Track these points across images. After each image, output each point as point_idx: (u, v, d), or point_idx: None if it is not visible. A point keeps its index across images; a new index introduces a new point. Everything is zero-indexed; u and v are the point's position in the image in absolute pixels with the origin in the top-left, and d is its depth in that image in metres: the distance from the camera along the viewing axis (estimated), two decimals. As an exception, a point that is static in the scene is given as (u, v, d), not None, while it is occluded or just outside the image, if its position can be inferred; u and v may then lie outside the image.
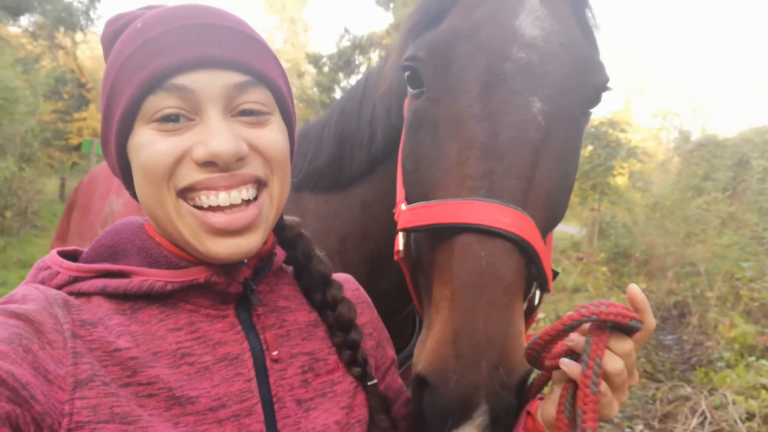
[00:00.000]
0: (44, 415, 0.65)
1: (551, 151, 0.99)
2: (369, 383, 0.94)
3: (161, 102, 0.76)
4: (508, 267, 0.91)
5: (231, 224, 0.78)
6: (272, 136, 0.82)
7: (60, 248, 0.86)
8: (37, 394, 0.65)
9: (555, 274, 1.07)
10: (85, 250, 0.87)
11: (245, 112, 0.80)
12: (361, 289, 1.06)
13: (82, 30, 23.58)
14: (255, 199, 0.81)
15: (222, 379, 0.80)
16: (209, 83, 0.77)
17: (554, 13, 1.06)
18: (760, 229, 10.74)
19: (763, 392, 4.88)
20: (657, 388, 6.17)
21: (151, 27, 0.79)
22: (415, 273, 1.08)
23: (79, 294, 0.79)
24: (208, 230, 0.78)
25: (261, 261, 0.90)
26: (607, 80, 1.06)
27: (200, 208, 0.79)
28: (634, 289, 0.78)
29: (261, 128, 0.81)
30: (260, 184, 0.82)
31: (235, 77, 0.79)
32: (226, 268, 0.83)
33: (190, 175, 0.77)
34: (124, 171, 0.84)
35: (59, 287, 0.79)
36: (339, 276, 1.04)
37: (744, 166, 12.52)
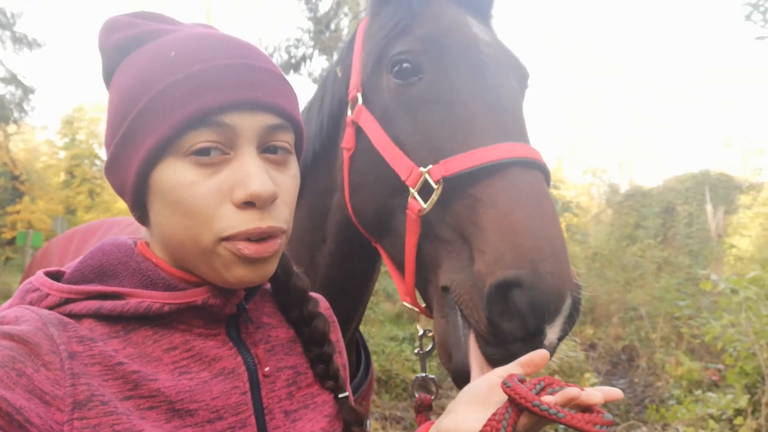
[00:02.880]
0: None
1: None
2: (340, 395, 0.98)
3: (201, 137, 0.78)
4: (547, 189, 1.14)
5: (257, 254, 0.80)
6: (291, 182, 0.86)
7: (45, 269, 0.84)
8: (32, 417, 0.65)
9: None
10: (69, 270, 0.85)
11: (271, 149, 0.83)
12: (331, 309, 1.12)
13: (15, 122, 23.17)
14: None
15: (220, 392, 0.82)
16: (247, 123, 0.80)
17: (486, 27, 1.40)
18: (693, 270, 11.31)
19: (711, 422, 5.05)
20: (614, 431, 6.27)
21: (190, 60, 0.80)
22: (436, 227, 1.19)
23: (70, 316, 0.77)
24: (239, 259, 0.80)
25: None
26: (528, 71, 1.39)
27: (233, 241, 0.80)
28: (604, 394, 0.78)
29: (284, 171, 0.85)
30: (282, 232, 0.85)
31: (270, 119, 0.82)
32: (223, 290, 0.85)
33: (230, 224, 0.79)
34: (137, 195, 0.84)
35: (49, 309, 0.77)
36: (313, 294, 1.09)
37: (671, 213, 13.27)
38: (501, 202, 1.09)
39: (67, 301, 0.78)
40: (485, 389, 0.85)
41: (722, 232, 12.34)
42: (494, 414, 0.79)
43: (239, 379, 0.85)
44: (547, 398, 0.77)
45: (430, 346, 1.28)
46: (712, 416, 5.19)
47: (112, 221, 2.57)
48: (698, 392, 6.15)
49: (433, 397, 1.20)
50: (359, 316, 1.69)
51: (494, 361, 1.05)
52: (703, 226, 12.56)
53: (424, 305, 1.26)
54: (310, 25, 14.00)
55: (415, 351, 1.30)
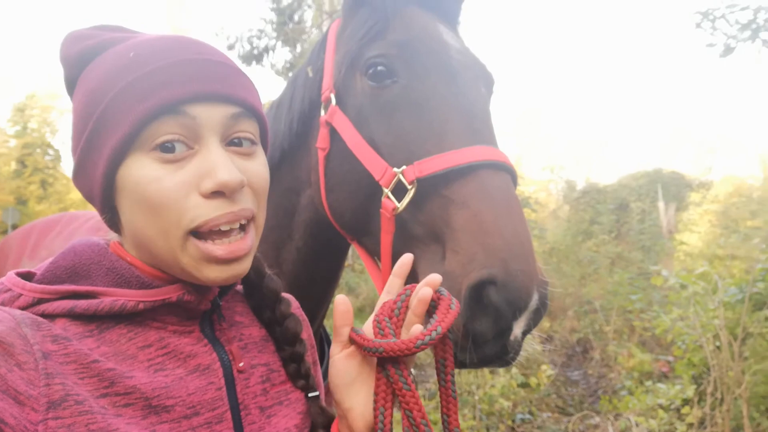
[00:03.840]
0: None
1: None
2: (310, 394, 1.00)
3: (163, 128, 0.78)
4: (514, 191, 1.20)
5: (231, 254, 0.82)
6: (260, 168, 0.87)
7: (18, 270, 0.85)
8: (6, 417, 0.65)
9: None
10: (39, 271, 0.85)
11: (236, 141, 0.85)
12: (301, 309, 1.14)
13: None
14: (246, 228, 0.86)
15: (196, 388, 0.83)
16: (209, 114, 0.81)
17: (456, 35, 1.46)
18: (645, 265, 11.69)
19: (660, 412, 5.25)
20: (569, 421, 6.45)
21: (150, 58, 0.81)
22: (410, 226, 1.24)
23: (43, 316, 0.78)
24: (210, 260, 0.81)
25: None
26: (493, 78, 1.46)
27: (202, 239, 0.81)
28: (431, 280, 0.91)
29: (250, 160, 0.86)
30: (251, 218, 0.87)
31: (232, 109, 0.83)
32: (198, 287, 0.86)
33: (199, 213, 0.79)
34: (106, 196, 0.84)
35: (22, 309, 0.77)
36: (284, 295, 1.10)
37: (624, 210, 13.67)
38: (472, 202, 1.14)
39: (40, 301, 0.78)
40: (355, 366, 0.94)
41: (673, 229, 12.80)
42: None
43: (214, 375, 0.86)
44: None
45: None
46: (661, 406, 5.40)
47: (72, 215, 2.52)
48: (649, 383, 6.39)
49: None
50: (324, 311, 1.72)
51: (464, 364, 1.10)
52: (655, 223, 12.98)
53: None
54: (273, 16, 13.81)
55: None
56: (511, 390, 6.78)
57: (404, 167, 1.21)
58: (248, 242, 0.85)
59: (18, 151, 18.81)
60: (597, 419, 6.26)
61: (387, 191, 1.22)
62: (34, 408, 0.68)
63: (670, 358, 7.57)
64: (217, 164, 0.79)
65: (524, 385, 6.93)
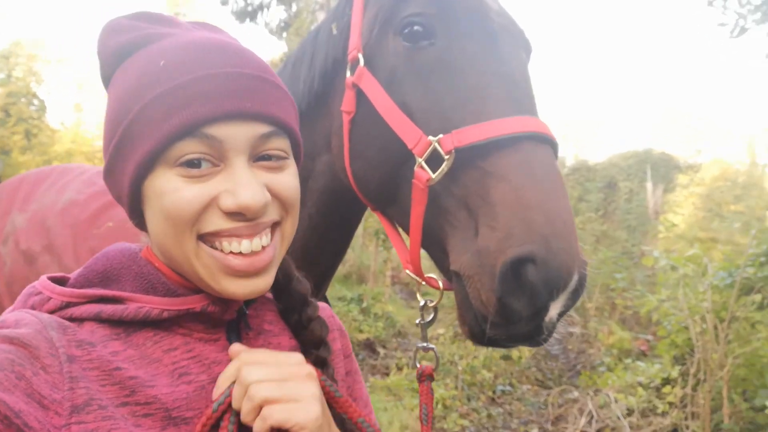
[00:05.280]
0: None
1: None
2: None
3: (188, 148, 0.77)
4: (557, 166, 1.14)
5: (250, 267, 0.80)
6: (289, 180, 0.85)
7: (49, 274, 0.86)
8: (30, 421, 0.65)
9: None
10: (73, 275, 0.86)
11: (265, 157, 0.83)
12: (336, 317, 1.10)
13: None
14: (271, 236, 0.84)
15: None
16: (237, 134, 0.79)
17: None
18: (629, 244, 11.83)
19: (639, 389, 5.36)
20: (548, 394, 6.58)
21: (178, 69, 0.79)
22: (443, 198, 1.18)
23: (71, 320, 0.78)
24: (227, 272, 0.80)
25: None
26: (531, 44, 1.39)
27: (219, 250, 0.80)
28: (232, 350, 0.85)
29: (279, 172, 0.84)
30: (275, 225, 0.85)
31: (261, 128, 0.81)
32: (222, 298, 0.84)
33: (215, 222, 0.79)
34: (133, 203, 0.84)
35: (51, 313, 0.78)
36: (315, 301, 1.07)
37: (613, 188, 13.76)
38: (513, 176, 1.08)
39: (68, 305, 0.79)
40: None
41: (660, 210, 12.92)
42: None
43: None
44: None
45: (431, 316, 1.26)
46: (641, 384, 5.51)
47: (64, 168, 2.44)
48: (628, 361, 6.51)
49: (434, 368, 1.20)
50: (329, 281, 1.68)
51: (494, 341, 1.06)
52: (642, 203, 13.09)
53: (427, 275, 1.26)
54: (268, -28, 13.43)
55: (417, 322, 1.28)
56: (493, 362, 6.88)
57: (441, 135, 1.14)
58: (270, 254, 0.83)
59: (2, 100, 18.33)
60: (576, 393, 6.38)
61: (421, 160, 1.15)
62: (58, 412, 0.68)
63: (650, 337, 7.71)
64: (241, 184, 0.78)
65: (506, 358, 7.03)
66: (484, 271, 1.04)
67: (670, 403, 4.73)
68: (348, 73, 1.35)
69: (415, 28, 1.25)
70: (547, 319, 1.03)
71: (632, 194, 13.45)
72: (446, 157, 1.12)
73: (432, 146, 1.14)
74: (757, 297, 4.16)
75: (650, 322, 7.26)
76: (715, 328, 4.28)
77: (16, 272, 2.06)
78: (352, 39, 1.35)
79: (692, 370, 4.41)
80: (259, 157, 0.82)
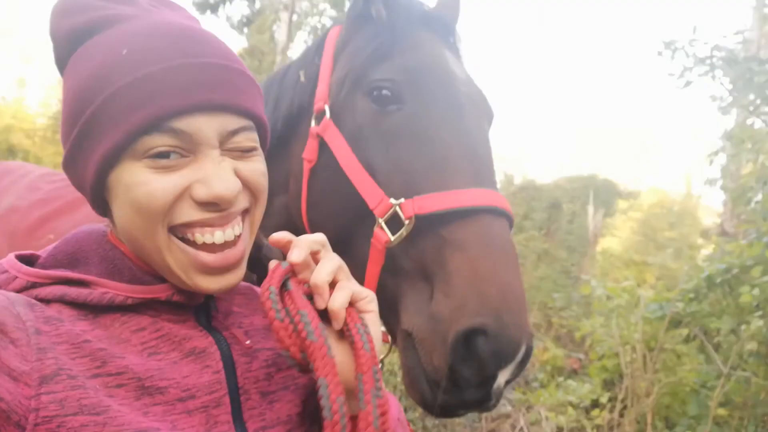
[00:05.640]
0: (10, 413, 0.65)
1: None
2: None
3: (155, 142, 0.76)
4: (511, 240, 1.16)
5: (223, 263, 0.81)
6: (258, 167, 0.85)
7: (18, 252, 0.84)
8: (2, 393, 0.64)
9: None
10: (43, 254, 0.85)
11: (234, 148, 0.82)
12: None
13: None
14: (241, 226, 0.85)
15: (191, 371, 0.80)
16: (206, 126, 0.78)
17: (460, 63, 1.41)
18: (569, 263, 12.20)
19: (570, 409, 5.53)
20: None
21: (142, 59, 0.77)
22: (400, 260, 1.19)
23: (37, 300, 0.77)
24: (199, 268, 0.80)
25: None
26: (493, 112, 1.43)
27: (191, 243, 0.80)
28: (275, 236, 0.87)
29: (248, 160, 0.84)
30: (244, 212, 0.86)
31: (230, 121, 0.80)
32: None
33: (187, 213, 0.79)
34: (96, 193, 0.82)
35: (16, 292, 0.77)
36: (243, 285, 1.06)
37: (557, 209, 14.14)
38: (470, 247, 1.11)
39: (34, 285, 0.78)
40: None
41: (599, 233, 13.38)
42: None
43: (211, 358, 0.83)
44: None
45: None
46: (570, 403, 5.69)
47: (7, 167, 2.34)
48: (560, 378, 6.71)
49: None
50: None
51: (445, 409, 1.09)
52: (583, 225, 13.51)
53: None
54: (233, -35, 13.21)
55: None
56: (431, 374, 6.94)
57: (402, 200, 1.17)
58: (241, 248, 0.84)
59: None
60: (509, 408, 6.53)
61: (381, 221, 1.18)
62: (27, 383, 0.68)
63: (581, 356, 7.98)
64: (214, 175, 0.78)
65: (444, 371, 7.09)
66: (436, 337, 1.07)
67: (598, 426, 4.90)
68: (313, 123, 1.36)
69: (384, 92, 1.28)
70: (495, 386, 1.07)
71: (574, 216, 13.87)
72: (406, 222, 1.15)
73: (393, 209, 1.17)
74: (684, 330, 4.38)
75: (583, 342, 7.52)
76: (644, 357, 4.47)
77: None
78: (320, 89, 1.37)
79: (620, 396, 4.59)
80: (228, 148, 0.82)
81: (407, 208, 1.15)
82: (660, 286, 5.68)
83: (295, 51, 12.37)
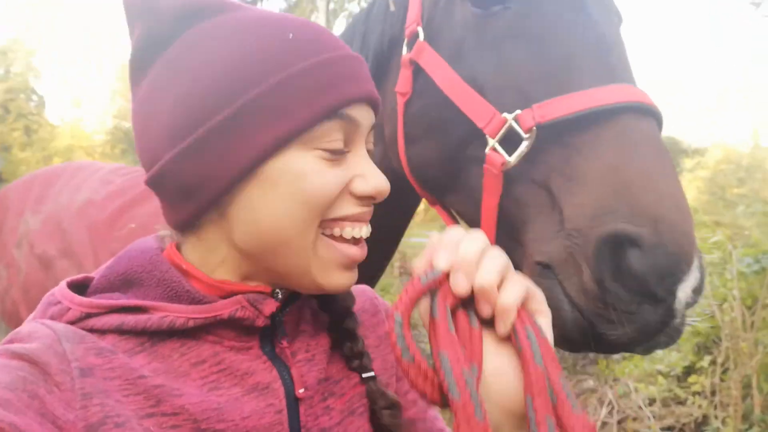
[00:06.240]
0: None
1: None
2: (364, 375, 0.89)
3: (333, 130, 0.75)
4: (663, 143, 0.98)
5: (363, 255, 0.82)
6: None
7: (70, 278, 0.80)
8: None
9: None
10: (96, 278, 0.81)
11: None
12: (379, 299, 1.01)
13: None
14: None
15: (252, 410, 0.75)
16: (365, 118, 0.79)
17: None
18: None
19: (660, 378, 5.27)
20: (564, 384, 6.50)
21: (309, 47, 0.75)
22: (521, 186, 1.03)
23: (92, 331, 0.72)
24: (344, 263, 0.79)
25: (291, 293, 0.85)
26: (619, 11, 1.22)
27: (336, 239, 0.79)
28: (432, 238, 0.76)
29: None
30: None
31: (372, 116, 0.82)
32: (254, 302, 0.78)
33: (346, 208, 0.78)
34: (225, 188, 0.73)
35: (71, 324, 0.72)
36: (356, 288, 0.97)
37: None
38: (610, 153, 0.93)
39: (89, 316, 0.73)
40: None
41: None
42: None
43: (274, 396, 0.78)
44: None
45: None
46: (660, 372, 5.41)
47: (77, 166, 2.33)
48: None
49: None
50: (379, 278, 1.59)
51: (617, 344, 0.91)
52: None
53: None
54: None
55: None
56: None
57: (519, 111, 1.00)
58: (366, 247, 0.83)
59: (1, 96, 18.12)
60: (592, 383, 6.29)
61: (494, 142, 1.01)
62: None
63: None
64: (373, 170, 0.79)
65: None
66: (578, 254, 0.90)
67: (695, 393, 4.63)
68: (404, 51, 1.20)
69: None
70: (677, 306, 0.88)
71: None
72: (526, 136, 0.98)
73: (507, 124, 1.00)
74: (787, 283, 4.06)
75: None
76: (743, 315, 4.18)
77: (32, 278, 1.96)
78: (411, 12, 1.21)
79: (720, 359, 4.31)
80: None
81: (525, 119, 0.98)
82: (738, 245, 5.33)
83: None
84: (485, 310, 0.68)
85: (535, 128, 0.98)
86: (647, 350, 0.92)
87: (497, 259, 0.68)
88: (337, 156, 0.76)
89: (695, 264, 0.87)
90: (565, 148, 0.97)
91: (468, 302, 0.69)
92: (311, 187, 0.73)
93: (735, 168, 16.70)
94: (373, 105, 0.81)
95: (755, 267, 4.21)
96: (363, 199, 0.79)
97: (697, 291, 0.89)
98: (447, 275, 0.68)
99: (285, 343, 0.82)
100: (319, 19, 11.51)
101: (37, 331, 0.69)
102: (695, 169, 15.31)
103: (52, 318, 0.73)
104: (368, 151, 0.83)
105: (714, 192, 15.13)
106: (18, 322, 2.00)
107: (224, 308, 0.76)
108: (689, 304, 0.89)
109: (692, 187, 15.69)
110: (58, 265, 1.86)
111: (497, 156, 1.02)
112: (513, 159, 0.99)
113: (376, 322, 0.96)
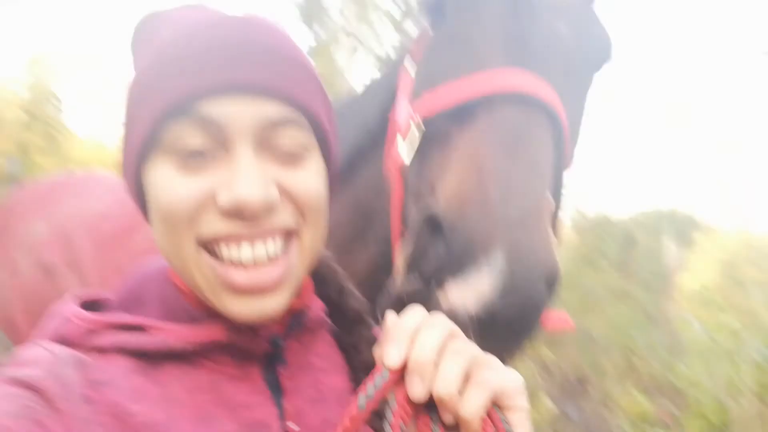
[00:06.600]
0: None
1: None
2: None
3: (184, 133, 0.65)
4: (537, 131, 0.88)
5: (253, 284, 0.67)
6: (308, 180, 0.71)
7: (80, 293, 0.78)
8: None
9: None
10: (113, 294, 0.79)
11: (278, 146, 0.69)
12: None
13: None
14: (282, 251, 0.70)
15: None
16: (241, 114, 0.65)
17: None
18: (647, 303, 11.54)
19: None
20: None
21: (180, 41, 0.66)
22: (413, 186, 0.99)
23: (95, 349, 0.70)
24: (228, 288, 0.67)
25: (293, 316, 0.79)
26: (610, 45, 1.18)
27: (220, 259, 0.68)
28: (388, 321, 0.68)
29: (296, 169, 0.70)
30: (289, 234, 0.71)
31: (271, 109, 0.67)
32: (248, 324, 0.72)
33: (212, 224, 0.66)
34: (142, 199, 0.74)
35: (74, 340, 0.70)
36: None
37: (633, 245, 13.54)
38: (466, 146, 0.89)
39: (91, 332, 0.71)
40: None
41: (678, 270, 12.68)
42: None
43: None
44: None
45: None
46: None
47: (91, 177, 2.35)
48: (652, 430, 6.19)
49: None
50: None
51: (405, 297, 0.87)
52: (660, 262, 12.86)
53: None
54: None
55: None
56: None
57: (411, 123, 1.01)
58: (277, 272, 0.68)
59: (26, 101, 18.58)
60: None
61: (399, 142, 1.01)
62: None
63: (671, 408, 7.39)
64: (239, 175, 0.64)
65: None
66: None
67: (701, 483, 4.44)
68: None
69: (434, 14, 1.13)
70: (445, 307, 0.80)
71: (652, 253, 13.22)
72: (417, 134, 0.97)
73: (410, 123, 0.99)
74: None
75: (670, 388, 6.94)
76: (758, 407, 4.02)
77: (34, 285, 1.92)
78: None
79: (729, 450, 4.14)
80: (273, 148, 0.68)
81: (415, 115, 0.97)
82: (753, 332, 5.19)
83: (355, 73, 12.64)
84: (447, 418, 0.62)
85: (420, 124, 0.96)
86: None
87: (459, 355, 0.61)
88: (194, 160, 0.65)
89: (498, 254, 0.75)
90: (441, 145, 0.94)
91: (429, 404, 0.62)
92: (162, 200, 0.67)
93: (753, 252, 16.50)
94: (265, 92, 0.66)
95: (769, 355, 4.09)
96: (229, 213, 0.66)
97: (491, 303, 0.76)
98: (401, 371, 0.62)
99: (290, 372, 0.77)
100: (342, 56, 11.82)
101: (39, 356, 0.66)
102: (711, 248, 15.14)
103: (56, 332, 0.71)
104: (289, 154, 0.69)
105: (729, 274, 14.90)
106: (14, 328, 1.96)
107: (221, 331, 0.71)
108: (485, 316, 0.77)
109: (708, 267, 15.47)
110: (61, 275, 1.82)
111: (397, 157, 1.02)
112: (406, 157, 0.99)
113: None
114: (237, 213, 0.65)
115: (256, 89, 0.65)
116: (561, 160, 0.92)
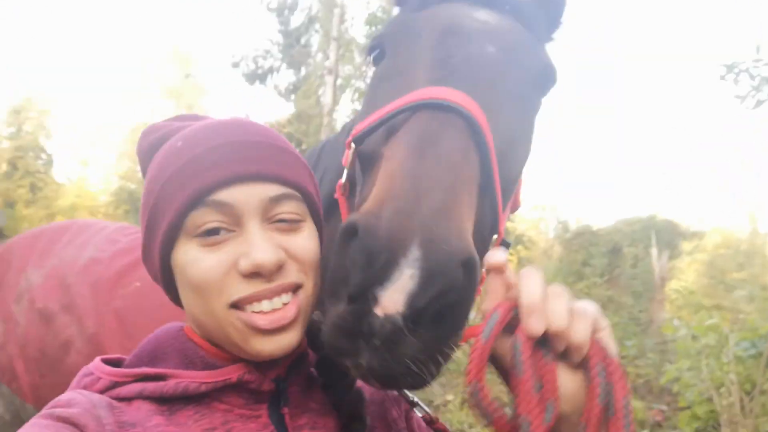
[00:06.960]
0: None
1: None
2: None
3: (203, 217, 0.82)
4: (456, 134, 0.90)
5: (274, 324, 0.82)
6: (306, 243, 0.87)
7: (104, 356, 0.90)
8: None
9: (507, 244, 1.09)
10: (129, 357, 0.91)
11: (280, 220, 0.86)
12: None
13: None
14: (292, 298, 0.86)
15: None
16: (247, 197, 0.83)
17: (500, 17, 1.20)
18: (636, 310, 11.64)
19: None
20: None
21: (191, 146, 0.85)
22: (353, 205, 1.04)
23: (119, 398, 0.82)
24: (255, 331, 0.82)
25: (293, 361, 0.92)
26: (550, 66, 1.22)
27: (246, 312, 0.83)
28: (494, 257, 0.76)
29: (295, 234, 0.87)
30: (297, 287, 0.86)
31: (271, 190, 0.84)
32: (259, 365, 0.86)
33: (238, 289, 0.82)
34: (167, 279, 0.89)
35: (101, 392, 0.83)
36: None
37: (617, 254, 13.67)
38: (388, 153, 0.92)
39: (116, 384, 0.83)
40: None
41: (666, 276, 12.79)
42: None
43: None
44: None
45: None
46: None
47: (84, 223, 2.38)
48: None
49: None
50: None
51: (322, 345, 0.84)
52: (647, 269, 12.98)
53: None
54: (280, 38, 13.91)
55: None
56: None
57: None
58: (292, 311, 0.84)
59: (10, 153, 18.47)
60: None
61: (345, 170, 1.06)
62: None
63: (663, 407, 7.46)
64: (254, 245, 0.81)
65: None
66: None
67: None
68: None
69: (374, 54, 1.23)
70: (380, 313, 0.73)
71: (637, 260, 13.35)
72: (351, 156, 1.04)
73: (351, 149, 1.04)
74: (784, 369, 4.02)
75: (663, 392, 7.02)
76: (741, 400, 4.12)
77: (31, 333, 1.96)
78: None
79: (720, 445, 4.22)
80: (274, 221, 0.85)
81: (350, 140, 1.03)
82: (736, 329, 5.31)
83: (341, 113, 12.73)
84: (560, 347, 0.73)
85: (351, 145, 1.03)
86: (362, 374, 0.78)
87: (560, 296, 0.73)
88: (215, 239, 0.82)
89: (415, 251, 0.73)
90: (370, 162, 0.99)
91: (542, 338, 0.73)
92: (194, 274, 0.82)
93: (734, 253, 16.70)
94: (264, 178, 0.84)
95: (752, 351, 4.19)
96: (250, 276, 0.81)
97: (419, 300, 0.72)
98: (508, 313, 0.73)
99: (286, 410, 0.88)
100: (326, 94, 11.90)
101: (75, 399, 0.79)
102: (694, 252, 15.34)
103: (85, 387, 0.84)
104: (288, 220, 0.85)
105: (713, 276, 15.05)
106: (13, 377, 1.99)
107: (232, 372, 0.84)
108: (411, 314, 0.73)
109: (691, 270, 15.64)
110: (59, 320, 1.87)
111: (340, 183, 1.08)
112: (344, 180, 1.05)
113: (383, 411, 1.01)
114: (256, 274, 0.81)
115: (258, 176, 0.84)
116: (488, 164, 0.92)
